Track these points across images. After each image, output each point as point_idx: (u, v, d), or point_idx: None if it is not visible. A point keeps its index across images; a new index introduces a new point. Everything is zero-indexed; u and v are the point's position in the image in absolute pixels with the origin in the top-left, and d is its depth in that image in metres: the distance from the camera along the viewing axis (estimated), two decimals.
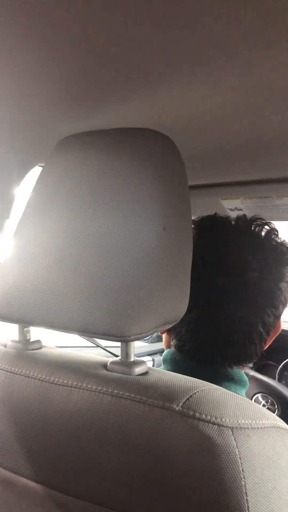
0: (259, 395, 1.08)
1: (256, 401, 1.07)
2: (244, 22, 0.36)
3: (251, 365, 1.47)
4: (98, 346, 1.27)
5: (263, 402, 1.06)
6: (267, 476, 0.38)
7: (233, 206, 0.96)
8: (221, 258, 0.62)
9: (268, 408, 1.07)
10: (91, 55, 0.43)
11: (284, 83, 0.47)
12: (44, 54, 0.43)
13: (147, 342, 1.59)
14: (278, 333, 0.70)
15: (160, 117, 0.58)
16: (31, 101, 0.55)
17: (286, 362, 1.49)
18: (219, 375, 0.63)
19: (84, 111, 0.57)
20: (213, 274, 0.62)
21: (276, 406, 1.07)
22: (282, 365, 1.49)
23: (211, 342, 0.62)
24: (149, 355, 1.52)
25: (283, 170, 0.83)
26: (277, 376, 1.47)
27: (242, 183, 0.90)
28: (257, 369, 1.50)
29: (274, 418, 0.43)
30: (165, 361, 0.68)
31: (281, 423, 0.43)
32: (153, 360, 1.51)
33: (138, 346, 1.56)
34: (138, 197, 0.45)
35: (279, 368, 1.48)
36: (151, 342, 1.59)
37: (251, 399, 1.06)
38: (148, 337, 1.59)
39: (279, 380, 1.45)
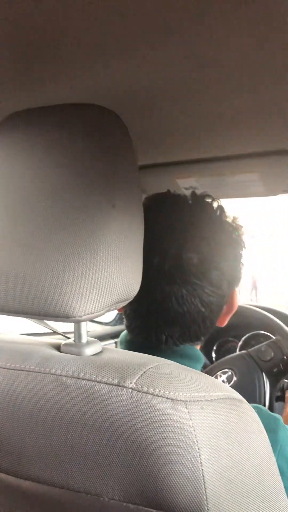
0: (218, 373, 1.10)
1: (218, 378, 1.09)
2: None
3: (214, 346, 1.51)
4: (55, 332, 1.25)
5: (223, 377, 1.09)
6: (222, 446, 0.38)
7: (188, 185, 0.96)
8: (158, 238, 0.62)
9: (227, 376, 1.09)
10: (30, 28, 0.41)
11: (234, 58, 0.47)
12: None
13: (109, 325, 1.59)
14: (233, 310, 0.71)
15: (109, 93, 0.57)
16: None
17: (246, 338, 1.52)
18: (170, 352, 0.63)
19: (27, 87, 0.55)
20: (150, 254, 0.61)
21: (232, 373, 1.09)
22: (243, 341, 1.52)
23: (153, 321, 0.63)
24: (111, 338, 1.52)
25: (237, 147, 0.84)
26: (237, 352, 1.51)
27: (196, 161, 0.90)
28: (219, 345, 1.53)
29: (227, 390, 0.44)
30: (121, 342, 0.69)
31: (235, 394, 0.44)
32: (115, 343, 1.51)
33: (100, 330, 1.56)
34: (85, 174, 0.44)
35: (239, 344, 1.52)
36: (113, 325, 1.59)
37: None
38: (110, 320, 1.59)
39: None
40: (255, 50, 0.46)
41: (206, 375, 0.45)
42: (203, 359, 0.68)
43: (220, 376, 1.09)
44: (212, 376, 1.09)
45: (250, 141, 0.80)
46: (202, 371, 0.79)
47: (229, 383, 1.06)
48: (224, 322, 0.72)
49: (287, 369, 1.06)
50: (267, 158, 0.84)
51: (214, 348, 1.52)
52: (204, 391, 0.41)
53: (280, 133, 0.75)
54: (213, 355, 1.51)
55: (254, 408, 0.64)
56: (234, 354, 1.24)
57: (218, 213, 0.67)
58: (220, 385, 0.44)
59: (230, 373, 1.09)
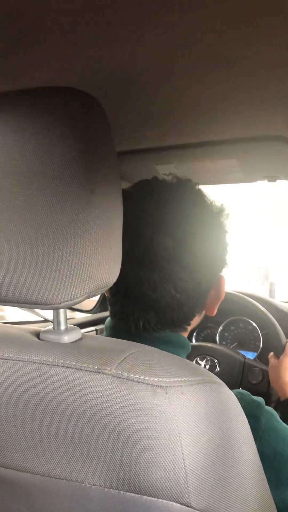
0: (197, 358, 1.11)
1: (201, 362, 1.10)
2: None
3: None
4: (45, 320, 1.24)
5: (203, 362, 1.10)
6: (202, 430, 0.39)
7: (167, 172, 0.95)
8: (130, 222, 0.60)
9: (209, 366, 1.10)
10: (8, 12, 0.39)
11: (211, 43, 0.46)
12: None
13: (90, 312, 1.58)
14: (221, 298, 0.70)
15: (86, 78, 0.56)
16: None
17: (225, 324, 1.54)
18: (153, 339, 0.63)
19: (4, 71, 0.54)
20: (123, 239, 0.61)
21: (216, 363, 1.10)
22: (222, 327, 1.54)
23: (129, 307, 0.62)
24: (92, 325, 1.52)
25: (216, 133, 0.83)
26: (217, 338, 1.52)
27: (176, 147, 0.89)
28: (199, 331, 1.55)
29: (207, 374, 0.44)
30: (105, 328, 0.68)
31: (215, 378, 0.44)
32: (96, 330, 1.51)
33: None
34: (62, 160, 0.43)
35: (219, 330, 1.53)
36: (94, 313, 1.58)
37: (195, 361, 1.09)
38: (92, 308, 1.59)
39: (220, 341, 1.50)
40: (232, 34, 0.45)
41: (187, 360, 0.46)
42: (189, 346, 0.67)
43: (204, 361, 1.10)
44: (193, 357, 1.10)
45: (229, 127, 0.80)
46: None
47: (209, 370, 1.08)
48: (213, 310, 0.71)
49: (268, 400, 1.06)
50: (246, 144, 0.84)
51: (194, 334, 1.53)
52: (184, 376, 0.41)
53: (259, 119, 0.75)
54: (193, 341, 1.52)
55: (236, 393, 0.64)
56: (229, 350, 1.23)
57: (195, 197, 0.66)
58: (200, 370, 0.44)
59: (216, 361, 1.10)
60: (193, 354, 1.11)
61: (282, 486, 0.61)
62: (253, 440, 0.46)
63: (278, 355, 1.02)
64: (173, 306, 0.62)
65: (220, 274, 0.69)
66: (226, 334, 1.53)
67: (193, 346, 1.18)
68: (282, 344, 1.05)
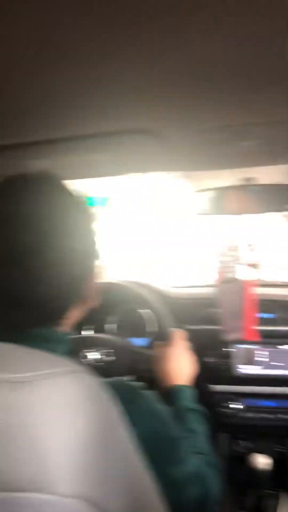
0: (85, 349, 1.11)
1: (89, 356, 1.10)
2: None
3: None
4: None
5: (91, 354, 1.10)
6: (65, 419, 0.40)
7: (38, 167, 0.93)
8: None
9: (97, 357, 1.10)
10: None
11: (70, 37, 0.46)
12: None
13: None
14: (96, 289, 0.71)
15: None
16: None
17: (115, 313, 1.55)
18: (24, 337, 0.62)
19: None
20: None
21: (104, 353, 1.11)
22: (112, 316, 1.55)
23: None
24: None
25: (87, 126, 0.82)
26: (108, 327, 1.54)
27: (45, 142, 0.87)
28: (89, 323, 1.54)
29: (69, 365, 0.44)
30: None
31: (78, 367, 0.45)
32: None
33: None
34: None
35: (109, 320, 1.54)
36: None
37: (82, 357, 1.09)
38: None
39: (111, 331, 1.51)
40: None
41: (46, 354, 0.46)
42: (67, 339, 0.67)
43: (92, 351, 1.10)
44: (82, 348, 1.09)
45: (100, 120, 0.80)
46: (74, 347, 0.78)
47: (97, 360, 1.08)
48: (92, 301, 0.71)
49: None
50: (114, 137, 0.85)
51: (84, 326, 1.53)
52: (44, 369, 0.41)
53: (124, 112, 0.76)
54: (84, 332, 1.52)
55: (112, 381, 0.66)
56: (117, 339, 1.24)
57: (60, 191, 0.66)
58: (62, 361, 0.44)
59: (104, 351, 1.10)
60: (81, 346, 1.11)
61: (165, 465, 0.64)
62: (125, 423, 0.48)
63: (164, 342, 1.05)
64: (41, 302, 0.61)
65: (94, 265, 0.70)
66: (116, 323, 1.55)
67: (81, 338, 1.18)
68: (168, 331, 1.09)
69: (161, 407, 0.69)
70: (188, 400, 0.87)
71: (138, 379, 1.06)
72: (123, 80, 0.62)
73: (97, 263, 0.71)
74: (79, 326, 1.50)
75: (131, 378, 1.06)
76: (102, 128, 0.84)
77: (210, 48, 0.52)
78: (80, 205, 0.67)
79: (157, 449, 0.64)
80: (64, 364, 0.43)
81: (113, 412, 0.46)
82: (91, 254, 0.69)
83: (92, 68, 0.57)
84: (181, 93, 0.65)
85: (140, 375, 1.08)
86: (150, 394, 0.68)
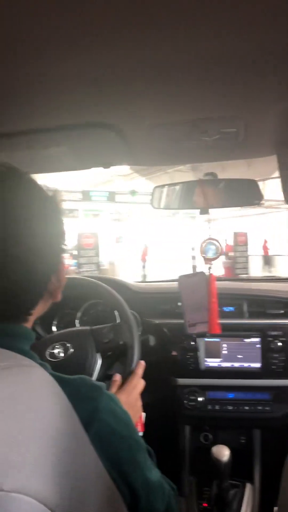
0: (56, 344, 1.11)
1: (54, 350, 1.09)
2: None
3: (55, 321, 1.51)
4: None
5: (56, 350, 1.09)
6: (9, 413, 0.39)
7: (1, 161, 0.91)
8: None
9: (63, 350, 1.10)
10: None
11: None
12: None
13: None
14: (63, 283, 0.71)
15: None
16: None
17: (83, 308, 1.56)
18: None
19: None
20: None
21: (68, 346, 1.11)
22: (81, 312, 1.56)
23: None
24: None
25: (47, 119, 0.81)
26: (78, 323, 1.54)
27: (5, 136, 0.85)
28: (59, 319, 1.54)
29: (15, 358, 0.44)
30: None
31: (26, 361, 0.45)
32: None
33: None
34: None
35: (78, 315, 1.55)
36: None
37: (49, 351, 1.08)
38: None
39: (81, 325, 1.51)
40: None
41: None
42: (30, 334, 0.66)
43: (57, 347, 1.09)
44: (49, 346, 1.09)
45: (59, 114, 0.79)
46: (36, 343, 0.77)
47: (64, 354, 1.08)
48: (57, 296, 0.71)
49: (120, 355, 1.10)
50: (75, 131, 0.84)
51: (55, 322, 1.52)
52: None
53: (85, 105, 0.75)
54: (54, 329, 1.51)
55: (77, 378, 0.65)
56: (77, 328, 1.25)
57: (26, 186, 0.64)
58: (7, 354, 0.44)
59: (68, 345, 1.10)
60: (49, 343, 1.11)
61: (122, 463, 0.64)
62: (77, 419, 0.47)
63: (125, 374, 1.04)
64: (6, 298, 0.61)
65: (60, 260, 0.69)
66: (85, 318, 1.55)
67: (50, 337, 1.17)
68: (129, 321, 1.10)
69: (123, 409, 0.69)
70: None
71: (105, 357, 1.08)
72: (83, 75, 0.61)
73: (64, 257, 0.70)
74: (49, 323, 1.50)
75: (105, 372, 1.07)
76: (61, 122, 0.82)
77: (167, 43, 0.52)
78: (48, 199, 0.66)
79: (115, 447, 0.64)
80: (10, 358, 0.43)
81: (64, 408, 0.46)
82: (59, 250, 0.68)
83: (52, 62, 0.56)
84: (139, 88, 0.65)
85: (107, 348, 1.09)
86: (112, 395, 0.68)
